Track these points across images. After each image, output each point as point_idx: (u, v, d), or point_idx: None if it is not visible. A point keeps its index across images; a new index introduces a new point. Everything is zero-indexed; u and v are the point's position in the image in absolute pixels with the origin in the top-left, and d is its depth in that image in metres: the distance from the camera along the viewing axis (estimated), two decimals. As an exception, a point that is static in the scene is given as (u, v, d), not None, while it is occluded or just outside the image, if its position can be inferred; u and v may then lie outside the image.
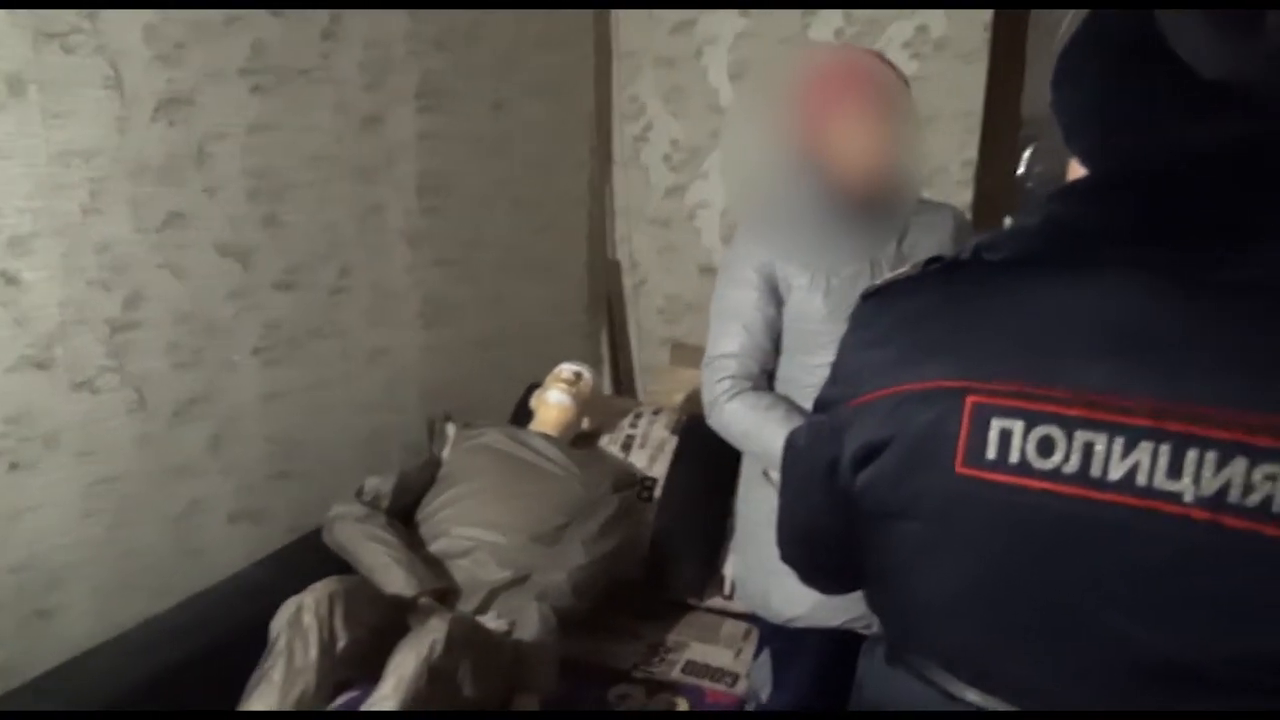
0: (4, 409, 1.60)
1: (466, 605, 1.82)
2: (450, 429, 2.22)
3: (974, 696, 0.82)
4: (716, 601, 2.12)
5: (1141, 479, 0.70)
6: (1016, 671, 0.80)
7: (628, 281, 3.40)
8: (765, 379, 1.74)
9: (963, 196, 2.81)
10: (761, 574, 1.75)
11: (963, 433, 0.77)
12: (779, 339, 1.73)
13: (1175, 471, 0.69)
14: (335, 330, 2.21)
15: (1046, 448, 0.74)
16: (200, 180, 1.84)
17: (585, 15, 3.05)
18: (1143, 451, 0.70)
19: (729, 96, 3.04)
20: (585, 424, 2.30)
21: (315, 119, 2.08)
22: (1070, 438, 0.73)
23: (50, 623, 1.69)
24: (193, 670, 1.62)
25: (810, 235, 1.63)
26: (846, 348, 0.93)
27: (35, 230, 1.59)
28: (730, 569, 2.09)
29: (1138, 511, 0.71)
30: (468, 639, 1.53)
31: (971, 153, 2.81)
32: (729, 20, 2.98)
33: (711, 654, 1.95)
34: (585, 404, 2.27)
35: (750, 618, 1.96)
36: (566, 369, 2.30)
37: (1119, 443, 0.71)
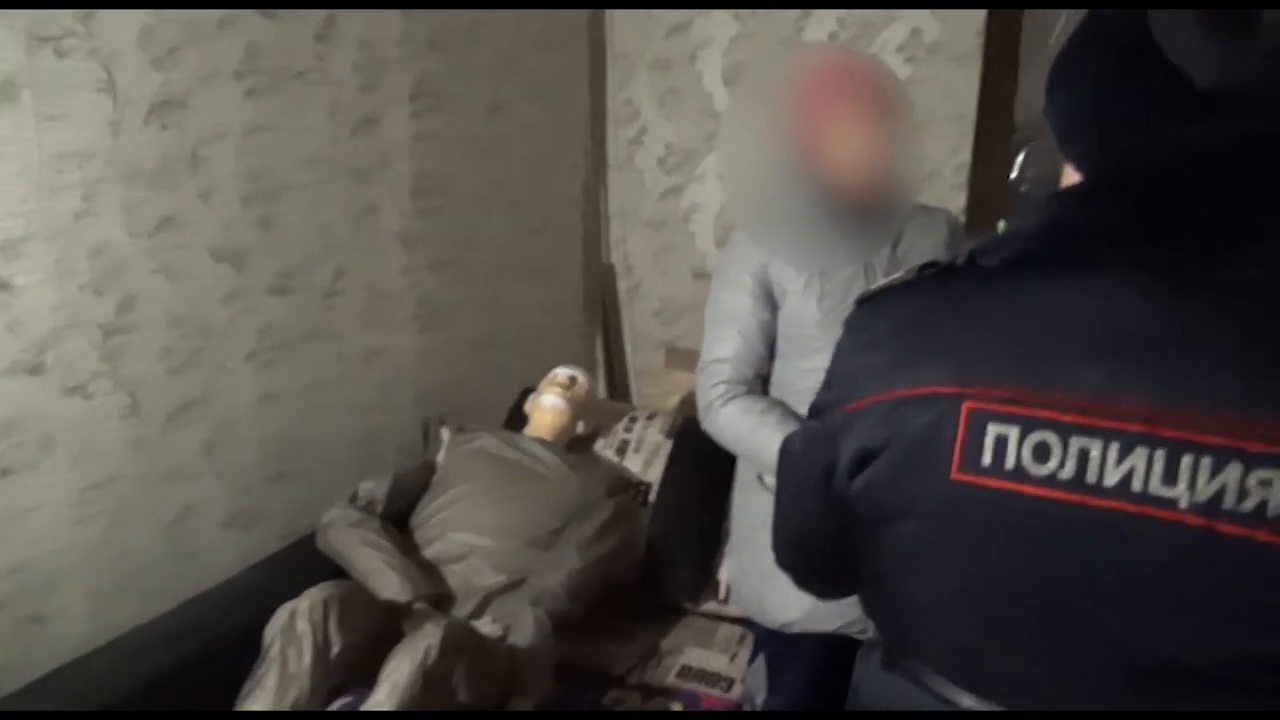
0: (-3, 414, 1.59)
1: (461, 610, 1.81)
2: (445, 433, 2.21)
3: (970, 702, 0.82)
4: (711, 606, 2.11)
5: (1137, 484, 0.70)
6: (1013, 674, 0.80)
7: (622, 285, 3.40)
8: (760, 383, 1.74)
9: (956, 200, 2.81)
10: (757, 578, 1.75)
11: (959, 438, 0.77)
12: (774, 343, 1.73)
13: (1170, 477, 0.69)
14: (330, 333, 2.21)
15: (1042, 453, 0.74)
16: (194, 184, 1.84)
17: (580, 18, 3.05)
18: (1138, 457, 0.70)
19: (723, 100, 3.04)
20: (580, 428, 2.30)
21: (309, 121, 2.08)
22: (1066, 444, 0.73)
23: (44, 627, 1.68)
24: (186, 676, 1.62)
25: (806, 237, 1.63)
26: (842, 352, 0.93)
27: (28, 234, 1.58)
28: (725, 573, 2.08)
29: (1133, 517, 0.71)
30: (462, 644, 1.53)
31: (965, 156, 2.82)
32: (723, 24, 2.99)
33: (707, 659, 1.94)
34: (580, 408, 2.27)
35: (745, 622, 1.96)
36: (561, 373, 2.30)
37: (1114, 448, 0.71)
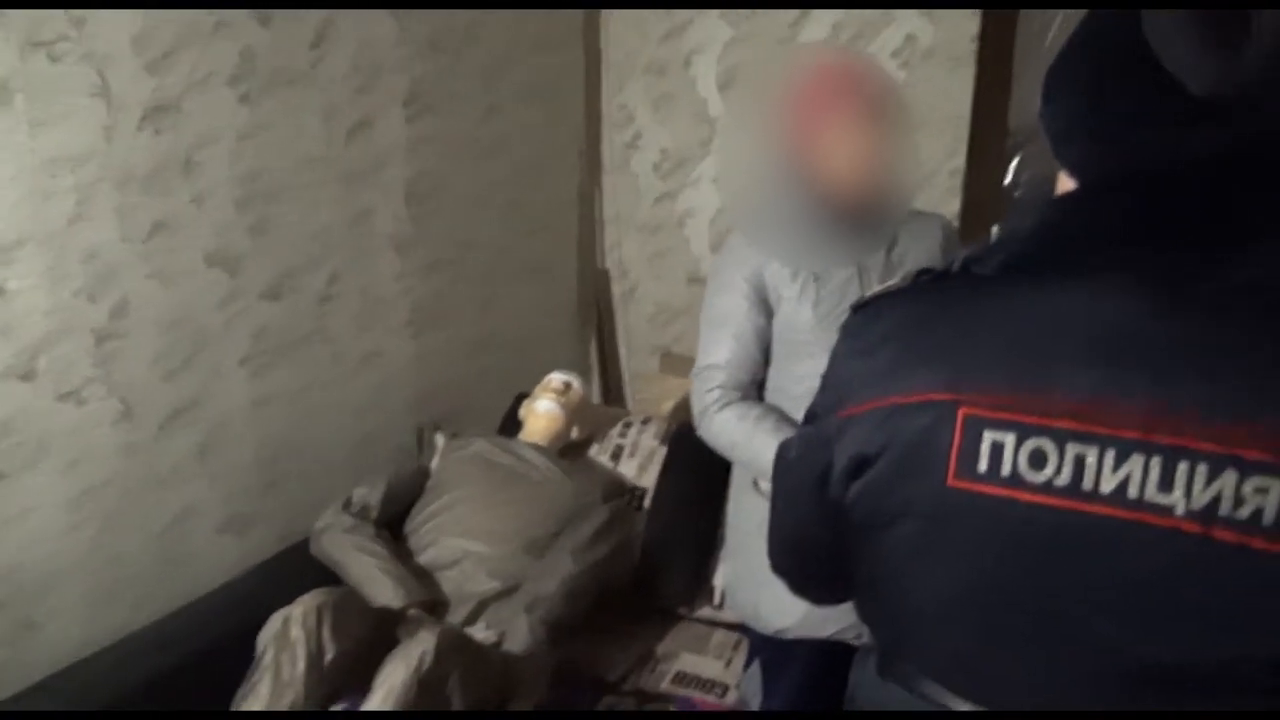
0: (-11, 419, 1.59)
1: (455, 616, 1.81)
2: (439, 439, 2.21)
3: (965, 708, 0.82)
4: (706, 611, 2.11)
5: (1133, 491, 0.70)
6: (1008, 679, 0.80)
7: (617, 289, 3.39)
8: (755, 389, 1.74)
9: (950, 205, 2.82)
10: (752, 584, 1.74)
11: (955, 445, 0.77)
12: (769, 348, 1.73)
13: (1167, 484, 0.69)
14: (324, 338, 2.20)
15: (1038, 460, 0.74)
16: (188, 188, 1.83)
17: (575, 23, 3.05)
18: (1134, 464, 0.70)
19: (718, 106, 3.05)
20: (575, 433, 2.30)
21: (304, 126, 2.07)
22: (1062, 450, 0.73)
23: (37, 633, 1.67)
24: (179, 682, 1.62)
25: (801, 240, 1.63)
26: (837, 358, 0.93)
27: (20, 239, 1.57)
28: (720, 579, 2.08)
29: (1129, 524, 0.71)
30: (457, 651, 1.53)
31: (959, 161, 2.82)
32: (718, 29, 2.99)
33: (701, 664, 1.94)
34: (575, 413, 2.27)
35: (740, 628, 1.96)
36: (556, 378, 2.30)
37: (1110, 455, 0.71)
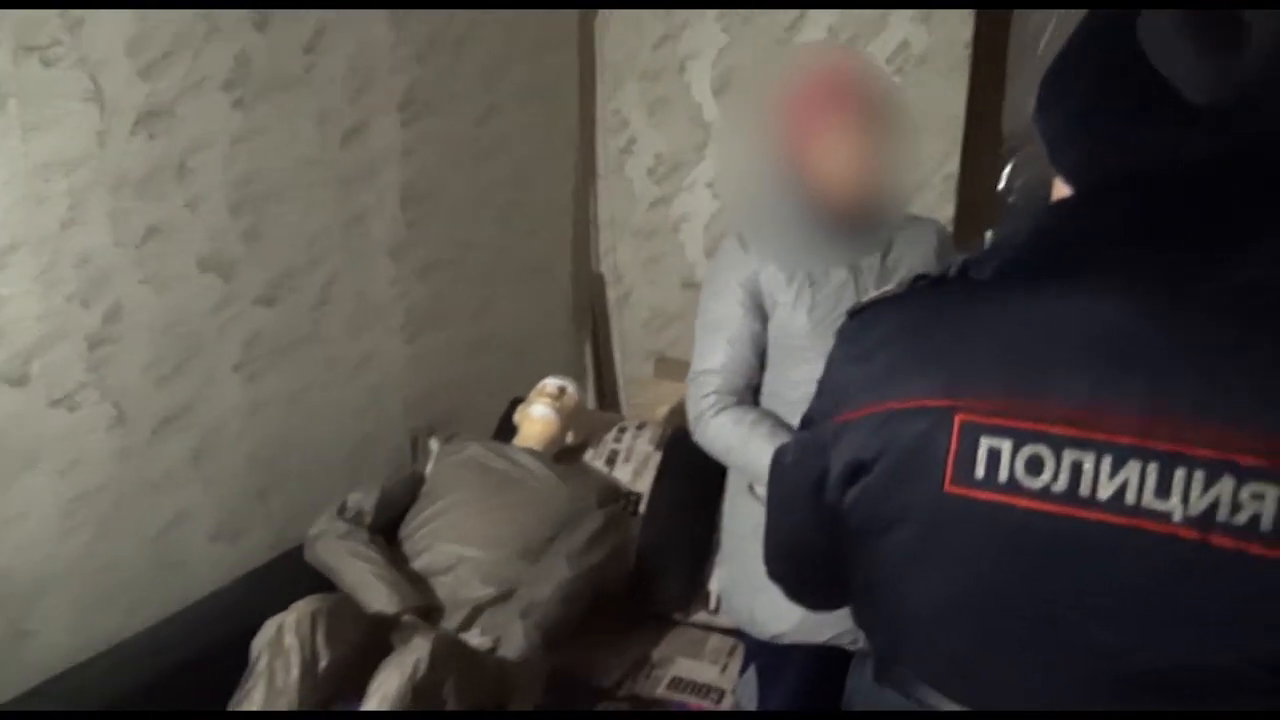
0: (-20, 425, 1.58)
1: (450, 622, 1.80)
2: (433, 444, 2.21)
3: (962, 712, 0.82)
4: (702, 617, 2.11)
5: (1130, 498, 0.70)
6: (1003, 684, 0.80)
7: (612, 294, 3.39)
8: (751, 394, 1.74)
9: (944, 210, 2.82)
10: (747, 589, 1.74)
11: (951, 451, 0.77)
12: (764, 353, 1.73)
13: (1164, 491, 0.69)
14: (318, 342, 2.20)
15: (1035, 466, 0.74)
16: (181, 193, 1.83)
17: (570, 26, 3.05)
18: (1130, 470, 0.70)
19: (712, 111, 3.05)
20: (569, 438, 2.29)
21: (298, 130, 2.07)
22: (1059, 457, 0.73)
23: (29, 638, 1.66)
24: (173, 689, 1.61)
25: (796, 243, 1.63)
26: (833, 364, 0.93)
27: (13, 243, 1.57)
28: (716, 584, 2.08)
29: (1126, 530, 0.71)
30: (451, 657, 1.52)
31: (953, 166, 2.83)
32: (712, 34, 3.00)
33: (697, 669, 1.94)
34: (569, 418, 2.26)
35: (736, 633, 1.96)
36: (551, 383, 2.30)
37: (1107, 461, 0.71)
